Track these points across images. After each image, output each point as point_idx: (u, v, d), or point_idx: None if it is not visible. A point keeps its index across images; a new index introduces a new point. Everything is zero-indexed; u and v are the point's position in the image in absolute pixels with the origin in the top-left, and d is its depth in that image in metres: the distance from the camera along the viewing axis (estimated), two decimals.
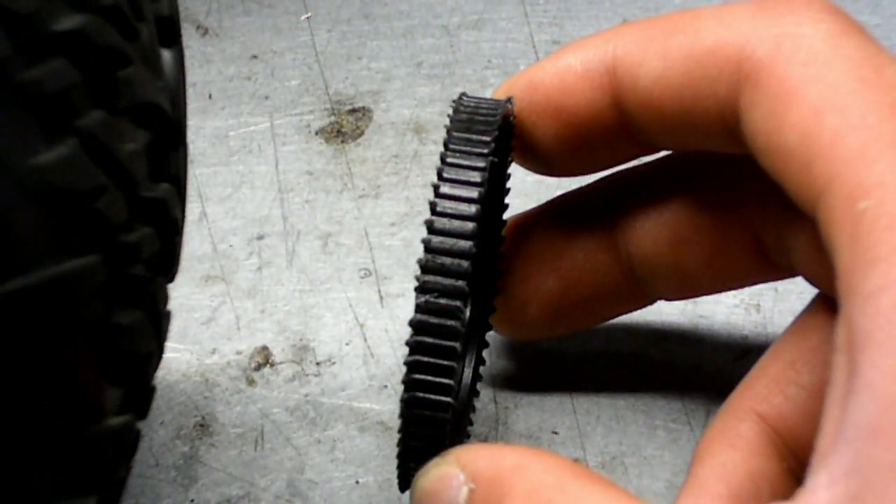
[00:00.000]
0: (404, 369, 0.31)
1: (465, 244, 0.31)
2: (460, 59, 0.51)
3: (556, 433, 0.40)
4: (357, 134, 0.49)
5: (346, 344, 0.42)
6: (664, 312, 0.43)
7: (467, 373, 0.38)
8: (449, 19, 0.52)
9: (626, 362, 0.42)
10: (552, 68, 0.35)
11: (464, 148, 0.32)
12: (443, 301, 0.30)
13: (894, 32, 0.51)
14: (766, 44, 0.30)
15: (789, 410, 0.33)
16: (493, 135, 0.32)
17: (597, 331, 0.42)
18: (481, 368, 0.39)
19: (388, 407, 0.41)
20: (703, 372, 0.41)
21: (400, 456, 0.33)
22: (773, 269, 0.36)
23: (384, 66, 0.51)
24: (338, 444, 0.40)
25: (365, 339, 0.43)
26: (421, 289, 0.31)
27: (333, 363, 0.42)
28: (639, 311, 0.41)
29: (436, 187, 0.31)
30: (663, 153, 0.38)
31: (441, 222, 0.31)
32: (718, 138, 0.33)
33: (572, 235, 0.38)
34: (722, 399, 0.35)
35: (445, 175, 0.31)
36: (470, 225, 0.31)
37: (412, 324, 0.31)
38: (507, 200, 0.38)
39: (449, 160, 0.32)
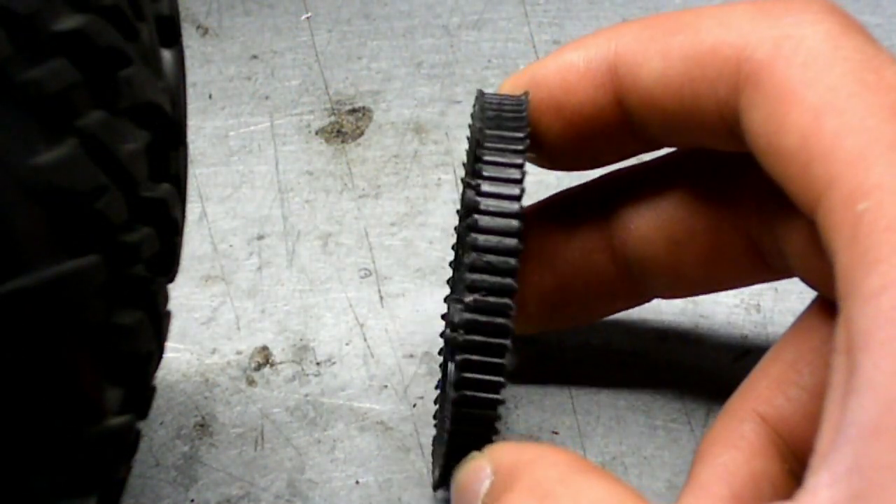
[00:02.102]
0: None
1: (511, 241, 0.31)
2: (460, 59, 0.51)
3: (556, 433, 0.40)
4: (357, 134, 0.49)
5: (346, 344, 0.42)
6: (664, 312, 0.43)
7: None
8: (449, 19, 0.52)
9: (626, 362, 0.42)
10: (554, 66, 0.35)
11: (499, 145, 0.32)
12: (491, 299, 0.31)
13: (894, 32, 0.51)
14: (765, 45, 0.30)
15: (791, 412, 0.33)
16: (526, 131, 0.32)
17: (597, 330, 0.42)
18: None
19: (388, 407, 0.41)
20: (703, 372, 0.41)
21: (446, 455, 0.33)
22: (768, 270, 0.36)
23: (384, 66, 0.51)
24: (338, 444, 0.40)
25: (365, 339, 0.43)
26: (469, 287, 0.31)
27: (333, 363, 0.42)
28: (638, 311, 0.41)
29: (476, 186, 0.31)
30: (662, 152, 0.38)
31: (485, 220, 0.31)
32: (719, 137, 0.33)
33: (568, 234, 0.38)
34: (722, 399, 0.35)
35: (486, 173, 0.31)
36: (515, 222, 0.31)
37: (462, 324, 0.31)
38: None
39: (487, 158, 0.32)
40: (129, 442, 0.28)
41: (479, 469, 0.32)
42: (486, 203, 0.31)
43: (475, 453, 0.32)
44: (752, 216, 0.35)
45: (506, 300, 0.31)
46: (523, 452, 0.31)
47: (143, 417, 0.29)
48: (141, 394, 0.29)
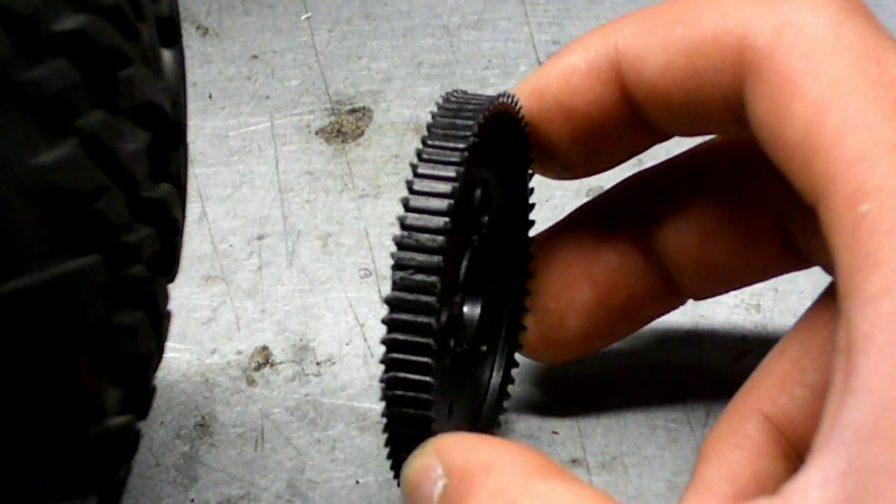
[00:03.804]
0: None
1: (439, 220, 0.31)
2: (460, 59, 0.51)
3: (556, 433, 0.40)
4: (357, 134, 0.49)
5: (347, 344, 0.42)
6: None
7: (496, 376, 0.38)
8: (449, 19, 0.52)
9: (626, 362, 0.42)
10: (556, 71, 0.35)
11: (447, 132, 0.32)
12: (418, 277, 0.31)
13: (895, 32, 0.51)
14: (766, 32, 0.30)
15: (795, 411, 0.33)
16: (479, 119, 0.32)
17: None
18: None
19: None
20: (703, 372, 0.41)
21: (387, 444, 0.33)
22: (798, 257, 0.36)
23: (384, 66, 0.51)
24: (338, 444, 0.40)
25: (365, 339, 0.43)
26: (396, 265, 0.31)
27: (333, 363, 0.42)
28: None
29: (414, 167, 0.31)
30: (681, 150, 0.38)
31: (416, 200, 0.31)
32: (727, 124, 0.33)
33: (602, 241, 0.38)
34: (722, 399, 0.35)
35: (424, 156, 0.32)
36: (445, 203, 0.31)
37: (387, 300, 0.31)
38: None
39: (429, 142, 0.32)
40: (129, 442, 0.28)
41: (429, 468, 0.30)
42: (419, 184, 0.31)
43: (421, 448, 0.31)
44: (780, 199, 0.35)
45: (433, 278, 0.30)
46: (476, 452, 0.30)
47: (143, 417, 0.29)
48: (141, 394, 0.29)
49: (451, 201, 0.31)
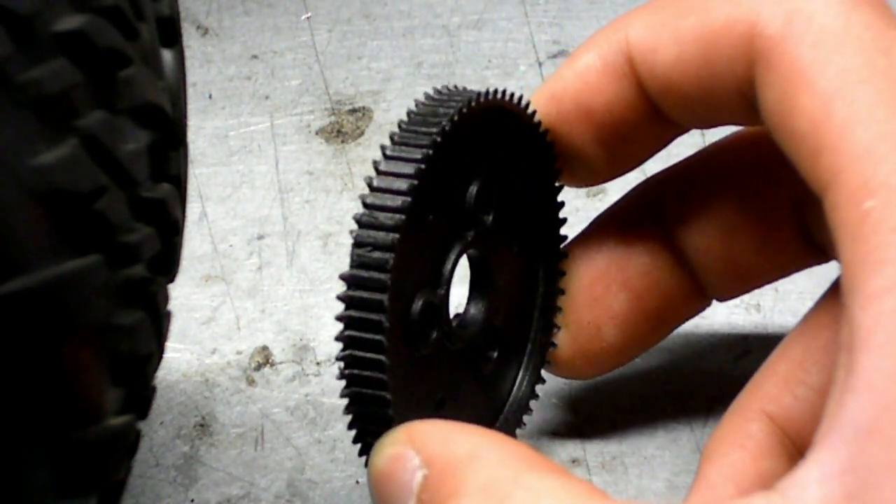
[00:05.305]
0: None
1: (398, 200, 0.31)
2: (460, 59, 0.51)
3: (556, 433, 0.40)
4: (357, 134, 0.49)
5: None
6: None
7: (518, 390, 0.38)
8: (449, 19, 0.52)
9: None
10: (572, 73, 0.34)
11: (425, 118, 0.32)
12: (375, 255, 0.31)
13: None
14: (776, 21, 0.30)
15: (798, 411, 0.33)
16: (459, 107, 0.32)
17: None
18: None
19: None
20: (703, 372, 0.41)
21: (351, 426, 0.33)
22: (816, 251, 0.36)
23: (384, 66, 0.51)
24: (338, 444, 0.40)
25: None
26: (355, 243, 0.31)
27: (334, 363, 0.42)
28: None
29: (383, 150, 0.32)
30: (683, 150, 0.38)
31: (381, 180, 0.31)
32: (742, 114, 0.32)
33: (630, 246, 0.37)
34: (722, 399, 0.35)
35: (396, 139, 0.32)
36: (406, 183, 0.31)
37: (342, 277, 0.31)
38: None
39: (404, 127, 0.32)
40: (129, 442, 0.28)
41: (402, 458, 0.30)
42: (385, 165, 0.32)
43: (391, 436, 0.31)
44: (797, 193, 0.35)
45: (387, 255, 0.31)
46: (455, 442, 0.29)
47: (144, 417, 0.29)
48: (141, 394, 0.29)
49: (414, 182, 0.31)
